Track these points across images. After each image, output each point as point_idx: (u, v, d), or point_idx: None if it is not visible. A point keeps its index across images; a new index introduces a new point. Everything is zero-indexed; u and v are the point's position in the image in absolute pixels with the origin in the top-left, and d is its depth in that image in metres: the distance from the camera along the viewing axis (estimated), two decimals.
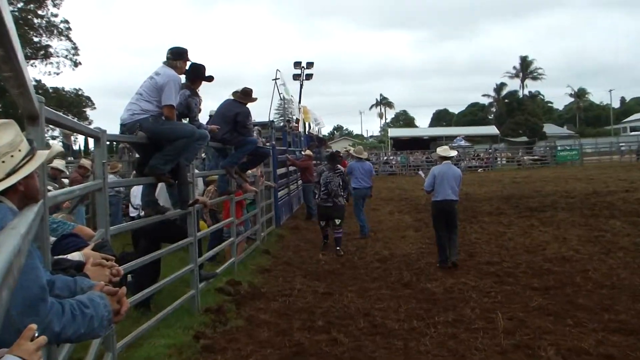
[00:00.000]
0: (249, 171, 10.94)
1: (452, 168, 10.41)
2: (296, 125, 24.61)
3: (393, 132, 75.12)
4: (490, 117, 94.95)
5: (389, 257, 11.30)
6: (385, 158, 52.61)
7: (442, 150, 10.58)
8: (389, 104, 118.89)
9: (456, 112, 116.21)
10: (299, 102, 30.46)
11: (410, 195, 24.69)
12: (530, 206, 18.14)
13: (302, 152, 20.29)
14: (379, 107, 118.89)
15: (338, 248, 12.07)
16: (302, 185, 18.99)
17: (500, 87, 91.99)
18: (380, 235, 14.11)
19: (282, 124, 22.42)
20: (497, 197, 21.97)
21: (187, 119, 7.76)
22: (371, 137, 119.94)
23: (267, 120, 19.34)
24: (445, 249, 10.26)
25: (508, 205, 19.01)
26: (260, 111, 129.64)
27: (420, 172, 14.63)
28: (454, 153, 10.71)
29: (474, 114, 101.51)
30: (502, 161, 51.28)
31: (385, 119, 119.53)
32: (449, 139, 59.59)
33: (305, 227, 16.01)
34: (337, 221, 12.29)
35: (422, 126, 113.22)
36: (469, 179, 31.66)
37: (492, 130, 69.81)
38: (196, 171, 7.88)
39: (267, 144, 15.43)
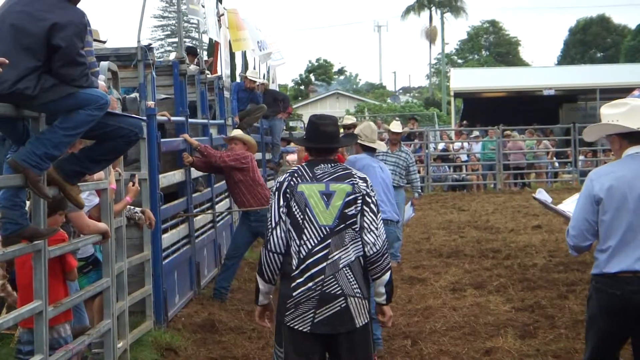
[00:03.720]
0: (90, 178, 4.70)
1: None
2: (210, 59, 12.33)
3: (461, 80, 30.48)
4: None
5: None
6: (439, 147, 21.68)
7: (624, 113, 3.78)
8: (454, 6, 51.09)
9: (631, 26, 52.69)
10: (219, 1, 12.52)
11: (508, 243, 10.78)
12: None
13: (227, 131, 9.82)
14: (425, 14, 51.40)
15: None
16: (238, 219, 8.70)
17: None
18: (429, 354, 5.88)
19: (173, 56, 9.01)
20: None
21: None
22: (404, 91, 63.89)
23: (136, 45, 6.89)
24: None
25: None
26: (120, 25, 73.16)
27: (540, 195, 5.88)
28: None
29: None
30: None
31: (444, 44, 52.35)
32: (608, 95, 20.44)
33: (231, 325, 6.79)
34: None
35: (538, 63, 57.18)
36: None
37: None
38: None
39: (135, 101, 6.74)
